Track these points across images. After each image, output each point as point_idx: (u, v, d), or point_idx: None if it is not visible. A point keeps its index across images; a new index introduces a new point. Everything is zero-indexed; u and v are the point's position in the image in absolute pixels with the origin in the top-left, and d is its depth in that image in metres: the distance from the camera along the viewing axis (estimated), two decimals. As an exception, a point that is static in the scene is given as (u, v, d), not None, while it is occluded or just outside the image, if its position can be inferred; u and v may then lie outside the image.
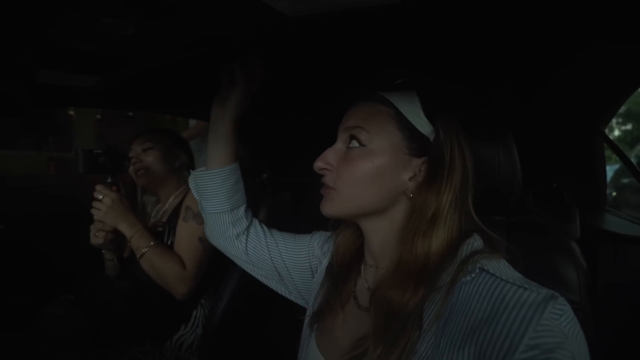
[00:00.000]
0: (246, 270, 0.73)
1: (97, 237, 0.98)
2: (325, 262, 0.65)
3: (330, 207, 0.54)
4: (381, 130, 0.51)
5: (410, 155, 0.51)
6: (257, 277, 0.72)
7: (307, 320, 0.62)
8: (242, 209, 0.71)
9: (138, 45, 0.50)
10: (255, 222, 0.73)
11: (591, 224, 0.78)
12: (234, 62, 0.65)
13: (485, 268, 0.44)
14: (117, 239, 1.01)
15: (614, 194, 3.79)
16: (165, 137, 1.14)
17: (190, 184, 0.73)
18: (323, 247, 0.68)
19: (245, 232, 0.70)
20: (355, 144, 0.52)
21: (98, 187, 0.95)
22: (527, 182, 0.64)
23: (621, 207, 3.63)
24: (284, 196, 1.24)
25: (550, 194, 0.77)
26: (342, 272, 0.59)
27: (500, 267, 0.45)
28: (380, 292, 0.48)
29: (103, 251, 1.05)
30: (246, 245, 0.70)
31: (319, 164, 0.54)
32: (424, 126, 0.51)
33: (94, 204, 0.95)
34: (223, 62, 0.67)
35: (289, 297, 0.72)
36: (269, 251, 0.69)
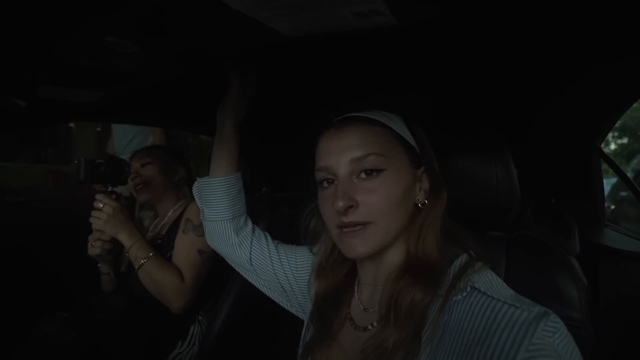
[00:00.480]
0: (250, 280, 0.73)
1: (94, 248, 0.96)
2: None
3: (369, 246, 0.49)
4: (391, 149, 0.51)
5: (413, 167, 0.52)
6: (260, 288, 0.72)
7: (300, 350, 0.60)
8: (243, 218, 0.72)
9: (139, 61, 0.51)
10: (258, 231, 0.73)
11: (590, 240, 0.78)
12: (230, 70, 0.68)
13: (477, 286, 0.44)
14: (114, 250, 1.00)
15: (612, 207, 3.79)
16: (163, 152, 1.15)
17: (194, 191, 0.75)
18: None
19: (249, 242, 0.70)
20: (371, 172, 0.49)
21: (98, 197, 0.95)
22: (525, 198, 0.65)
23: (620, 221, 3.63)
24: (283, 210, 1.24)
25: (549, 210, 0.77)
26: (330, 301, 0.57)
27: (492, 283, 0.45)
28: (404, 294, 0.46)
29: (99, 264, 1.03)
30: (250, 255, 0.70)
31: (341, 204, 0.47)
32: (411, 139, 0.54)
33: (94, 213, 0.94)
34: (220, 76, 0.69)
35: (291, 310, 0.71)
36: (271, 262, 0.68)
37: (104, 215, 0.93)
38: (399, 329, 0.45)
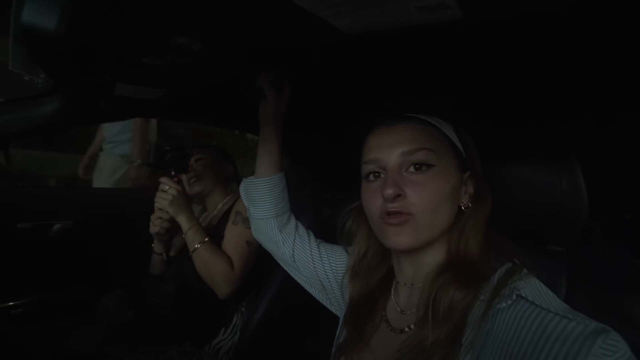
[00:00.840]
0: (293, 276, 0.75)
1: (155, 225, 1.06)
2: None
3: (410, 237, 0.49)
4: (442, 149, 0.51)
5: (461, 171, 0.53)
6: (302, 284, 0.74)
7: (334, 350, 0.60)
8: (286, 216, 0.75)
9: (204, 61, 0.54)
10: (302, 229, 0.75)
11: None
12: (262, 76, 0.71)
13: (523, 294, 0.41)
14: (172, 231, 1.10)
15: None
16: (213, 150, 1.25)
17: (241, 191, 0.78)
18: None
19: (292, 238, 0.72)
20: (421, 166, 0.49)
21: (164, 180, 1.04)
22: (597, 213, 0.59)
23: None
24: (325, 212, 1.25)
25: (623, 227, 0.69)
26: (364, 304, 0.57)
27: (541, 293, 0.42)
28: (442, 293, 0.45)
29: (153, 245, 1.13)
30: (293, 251, 0.71)
31: (391, 191, 0.48)
32: (459, 144, 0.54)
33: (159, 194, 1.03)
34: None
35: (330, 308, 0.71)
36: (312, 259, 0.70)
37: (168, 196, 1.01)
38: (437, 329, 0.43)
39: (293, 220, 0.75)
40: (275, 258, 0.77)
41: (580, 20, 0.47)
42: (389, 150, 0.51)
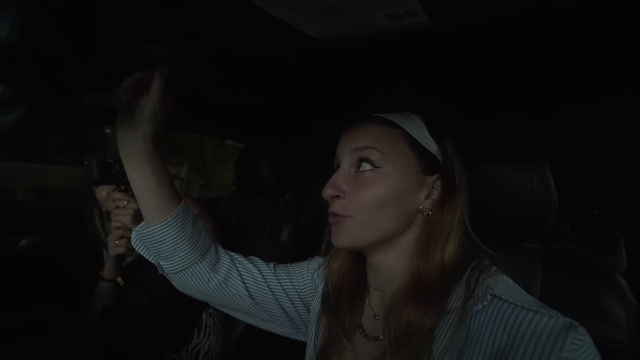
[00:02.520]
0: (253, 322, 0.64)
1: (118, 247, 0.98)
2: (321, 289, 0.60)
3: (346, 237, 0.49)
4: (395, 150, 0.49)
5: (423, 173, 0.50)
6: (264, 326, 0.64)
7: (311, 348, 0.57)
8: (213, 250, 0.60)
9: (175, 66, 0.53)
10: (239, 258, 0.62)
11: (638, 255, 0.72)
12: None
13: (497, 294, 0.42)
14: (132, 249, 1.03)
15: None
16: None
17: (135, 244, 0.59)
18: (318, 271, 0.63)
19: (235, 271, 0.60)
20: (366, 166, 0.49)
21: (117, 195, 0.97)
22: (565, 209, 0.61)
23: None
24: (307, 217, 1.24)
25: (591, 222, 0.72)
26: (342, 303, 0.54)
27: (511, 289, 0.43)
28: (396, 313, 0.45)
29: (102, 272, 1.02)
30: (244, 284, 0.60)
31: (329, 192, 0.49)
32: (431, 145, 0.51)
33: (117, 212, 0.95)
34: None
35: (296, 337, 0.65)
36: (269, 287, 0.61)
37: (129, 211, 0.94)
38: (396, 354, 0.43)
39: (222, 250, 0.62)
40: (231, 310, 0.63)
41: (538, 21, 0.49)
42: (344, 148, 0.51)
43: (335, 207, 0.49)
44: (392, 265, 0.51)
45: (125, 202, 0.96)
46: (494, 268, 0.46)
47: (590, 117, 0.86)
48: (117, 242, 0.98)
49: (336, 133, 0.55)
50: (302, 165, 1.51)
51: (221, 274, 0.59)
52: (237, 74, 0.66)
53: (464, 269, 0.46)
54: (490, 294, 0.42)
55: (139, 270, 1.07)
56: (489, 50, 0.56)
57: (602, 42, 0.58)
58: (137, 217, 0.94)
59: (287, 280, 0.62)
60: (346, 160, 0.51)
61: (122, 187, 0.98)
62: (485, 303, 0.42)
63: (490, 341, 0.39)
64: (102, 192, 1.07)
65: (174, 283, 0.61)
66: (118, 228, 0.98)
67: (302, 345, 0.67)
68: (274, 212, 1.22)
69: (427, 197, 0.50)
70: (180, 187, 6.28)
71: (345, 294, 0.55)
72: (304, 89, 0.86)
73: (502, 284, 0.43)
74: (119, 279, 1.03)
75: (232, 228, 1.29)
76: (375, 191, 0.47)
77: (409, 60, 0.62)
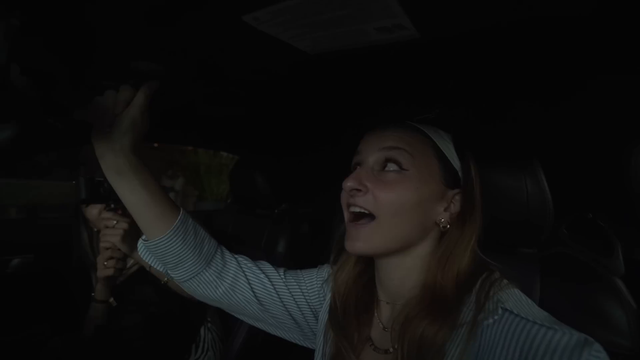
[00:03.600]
0: (261, 325, 0.64)
1: (107, 268, 0.94)
2: (328, 299, 0.59)
3: (369, 241, 0.47)
4: (423, 156, 0.49)
5: (445, 185, 0.50)
6: (271, 330, 0.64)
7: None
8: (219, 255, 0.59)
9: (166, 83, 0.53)
10: (247, 262, 0.61)
11: (635, 258, 0.72)
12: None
13: (508, 308, 0.41)
14: (124, 270, 0.99)
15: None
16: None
17: (142, 254, 0.59)
18: (327, 280, 0.62)
19: (243, 277, 0.59)
20: (392, 166, 0.48)
21: (106, 215, 0.93)
22: (560, 213, 0.61)
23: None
24: (303, 228, 1.23)
25: (587, 226, 0.72)
26: (349, 318, 0.53)
27: (522, 303, 0.43)
28: (411, 327, 0.44)
29: (94, 294, 0.99)
30: (252, 289, 0.59)
31: (350, 184, 0.48)
32: (455, 160, 0.51)
33: (105, 232, 0.92)
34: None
35: (303, 343, 0.65)
36: (275, 290, 0.60)
37: (118, 231, 0.91)
38: None
39: (229, 255, 0.61)
40: (238, 314, 0.63)
41: (523, 30, 0.50)
42: (371, 145, 0.50)
43: (359, 201, 0.48)
44: (404, 278, 0.50)
45: (114, 222, 0.93)
46: (505, 281, 0.46)
47: (576, 116, 0.87)
48: (105, 263, 0.94)
49: (331, 150, 0.55)
50: (298, 176, 1.51)
51: (228, 281, 0.59)
52: (226, 89, 0.66)
53: (475, 281, 0.46)
54: (502, 308, 0.42)
55: (134, 287, 1.05)
56: (478, 58, 0.56)
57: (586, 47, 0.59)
58: (127, 237, 0.91)
59: (297, 287, 0.61)
60: (372, 157, 0.50)
61: (112, 205, 0.95)
62: (496, 317, 0.41)
63: (502, 357, 0.38)
64: (93, 211, 1.04)
65: (188, 291, 0.61)
66: (107, 248, 0.94)
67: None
68: (270, 224, 1.21)
69: (445, 210, 0.49)
70: (175, 200, 6.24)
71: (352, 308, 0.54)
72: (297, 105, 0.86)
73: (513, 298, 0.43)
74: (111, 300, 1.00)
75: (228, 240, 1.28)
76: (399, 193, 0.47)
77: (402, 72, 0.63)
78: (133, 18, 0.41)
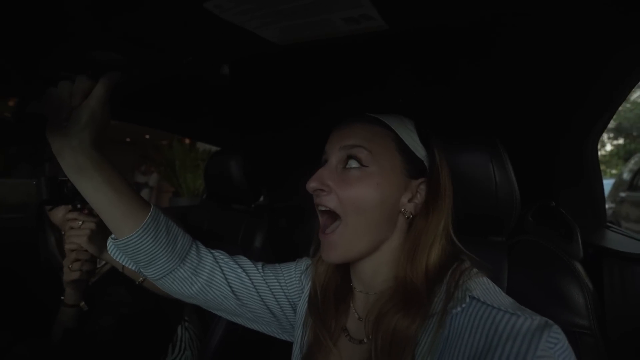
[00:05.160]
0: (238, 320, 0.64)
1: (73, 271, 0.89)
2: (307, 290, 0.60)
3: (338, 251, 0.49)
4: (384, 151, 0.49)
5: (408, 177, 0.50)
6: (249, 324, 0.64)
7: (297, 351, 0.57)
8: (194, 251, 0.58)
9: (126, 73, 0.50)
10: (223, 257, 0.60)
11: (592, 243, 0.76)
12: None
13: (476, 296, 0.43)
14: (92, 272, 0.94)
15: (618, 208, 3.79)
16: None
17: (112, 253, 0.56)
18: (306, 272, 0.63)
19: (219, 271, 0.58)
20: (353, 164, 0.48)
21: (71, 215, 0.88)
22: (524, 202, 0.64)
23: (621, 222, 3.62)
24: (281, 222, 1.22)
25: (550, 213, 0.76)
26: (328, 306, 0.54)
27: (490, 291, 0.44)
28: (384, 319, 0.45)
29: (63, 297, 0.93)
30: (228, 283, 0.58)
31: (313, 184, 0.49)
32: (419, 150, 0.52)
33: (71, 233, 0.86)
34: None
35: (282, 336, 0.65)
36: (254, 287, 0.59)
37: (85, 231, 0.86)
38: (383, 359, 0.43)
39: (204, 250, 0.59)
40: (217, 311, 0.63)
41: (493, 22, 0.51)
42: (334, 144, 0.51)
43: (322, 200, 0.49)
44: (376, 270, 0.51)
45: (80, 222, 0.88)
46: (475, 270, 0.47)
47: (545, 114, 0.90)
48: (70, 266, 0.89)
49: (304, 138, 0.54)
50: (275, 169, 1.49)
51: (204, 277, 0.57)
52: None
53: (446, 272, 0.47)
54: (469, 296, 0.43)
55: (106, 288, 1.01)
56: (443, 47, 0.57)
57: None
58: (95, 238, 0.86)
59: (275, 280, 0.61)
60: (334, 156, 0.50)
61: (78, 205, 0.90)
62: (464, 305, 0.42)
63: (469, 343, 0.40)
64: (58, 214, 0.97)
65: (159, 287, 0.59)
66: (72, 250, 0.89)
67: (279, 358, 0.66)
68: (247, 219, 1.19)
69: (410, 200, 0.50)
70: (150, 196, 6.05)
71: (331, 297, 0.55)
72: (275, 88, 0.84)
73: (481, 286, 0.44)
74: (82, 304, 0.95)
75: (203, 237, 1.25)
76: (361, 190, 0.47)
77: (368, 62, 0.63)
78: (90, 5, 0.39)
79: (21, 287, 1.14)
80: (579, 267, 0.61)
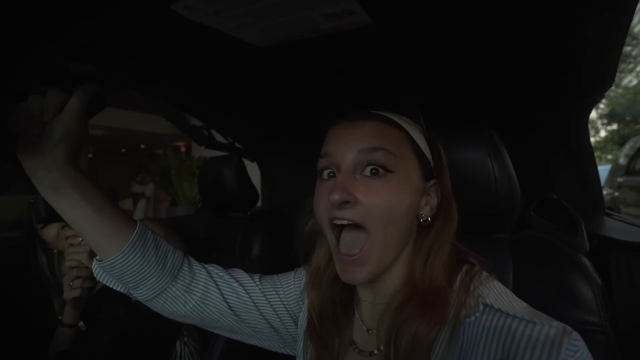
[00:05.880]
0: (238, 337, 0.60)
1: (74, 289, 0.87)
2: (306, 304, 0.57)
3: (370, 265, 0.44)
4: (405, 153, 0.45)
5: (423, 179, 0.47)
6: (249, 340, 0.60)
7: None
8: (186, 267, 0.54)
9: (103, 84, 0.48)
10: (217, 271, 0.57)
11: (596, 233, 0.74)
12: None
13: (489, 303, 0.41)
14: (93, 290, 0.91)
15: (616, 193, 3.80)
16: None
17: (99, 277, 0.53)
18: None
19: (214, 287, 0.55)
20: (377, 170, 0.44)
21: (70, 232, 0.86)
22: (528, 198, 0.61)
23: (620, 207, 3.62)
24: (278, 228, 1.20)
25: (552, 206, 0.73)
26: (327, 326, 0.51)
27: (502, 296, 0.42)
28: (404, 328, 0.42)
29: (61, 317, 0.91)
30: (225, 299, 0.55)
31: (337, 197, 0.42)
32: (427, 151, 0.49)
33: (70, 250, 0.85)
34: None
35: (283, 350, 0.62)
36: (253, 301, 0.56)
37: (86, 247, 0.84)
38: None
39: (197, 265, 0.56)
40: (213, 329, 0.59)
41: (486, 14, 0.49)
42: (346, 145, 0.45)
43: (349, 213, 0.43)
44: (387, 278, 0.48)
45: (80, 239, 0.86)
46: (485, 274, 0.45)
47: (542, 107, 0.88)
48: (70, 283, 0.86)
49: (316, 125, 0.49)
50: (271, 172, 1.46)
51: (198, 294, 0.54)
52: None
53: (455, 276, 0.45)
54: (483, 304, 0.41)
55: (101, 306, 0.98)
56: (439, 41, 0.55)
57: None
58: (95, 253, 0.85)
59: (274, 293, 0.58)
60: (350, 160, 0.44)
61: None
62: (477, 314, 0.40)
63: (485, 353, 0.38)
64: (50, 231, 0.96)
65: (151, 308, 0.55)
66: (73, 267, 0.86)
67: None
68: (243, 227, 1.17)
69: (426, 204, 0.47)
70: (147, 207, 6.00)
71: (330, 315, 0.51)
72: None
73: (494, 292, 0.42)
74: (80, 324, 0.92)
75: (200, 246, 1.23)
76: (394, 199, 0.43)
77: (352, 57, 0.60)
78: (57, 12, 0.36)
79: (17, 309, 1.11)
80: (586, 261, 0.59)
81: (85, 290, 0.88)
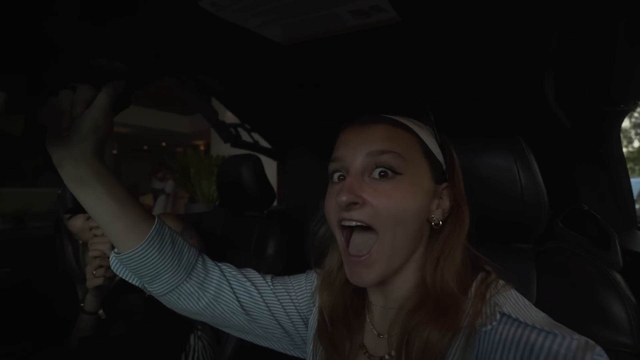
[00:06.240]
0: (248, 337, 0.61)
1: (97, 278, 0.91)
2: (317, 306, 0.56)
3: (379, 266, 0.44)
4: (414, 156, 0.46)
5: (434, 182, 0.47)
6: (260, 342, 0.61)
7: None
8: (200, 264, 0.56)
9: (130, 83, 0.49)
10: (230, 270, 0.58)
11: (629, 249, 0.70)
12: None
13: (506, 312, 0.39)
14: (114, 278, 0.96)
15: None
16: None
17: (115, 269, 0.54)
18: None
19: (227, 286, 0.56)
20: (385, 172, 0.44)
21: (94, 223, 0.90)
22: (556, 208, 0.59)
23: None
24: (293, 228, 1.20)
25: (582, 218, 0.70)
26: (339, 327, 0.51)
27: (520, 306, 0.41)
28: (415, 333, 0.42)
29: (83, 305, 0.95)
30: (237, 298, 0.56)
31: (345, 198, 0.43)
32: (439, 154, 0.49)
33: (94, 240, 0.88)
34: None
35: (293, 353, 0.62)
36: (264, 302, 0.57)
37: (108, 238, 0.88)
38: None
39: (211, 263, 0.57)
40: (224, 328, 0.60)
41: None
42: (355, 149, 0.46)
43: (357, 214, 0.44)
44: (402, 282, 0.48)
45: None
46: (502, 282, 0.44)
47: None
48: (94, 272, 0.91)
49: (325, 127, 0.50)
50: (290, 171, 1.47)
51: (211, 292, 0.55)
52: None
53: (470, 284, 0.44)
54: (500, 313, 0.40)
55: (119, 296, 1.01)
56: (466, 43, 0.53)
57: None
58: None
59: (285, 294, 0.58)
60: (359, 164, 0.45)
61: None
62: (494, 323, 0.39)
63: None
64: (76, 222, 1.00)
65: (164, 303, 0.57)
66: (96, 257, 0.91)
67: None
68: (259, 225, 1.17)
69: (437, 207, 0.47)
70: (166, 202, 6.16)
71: (341, 318, 0.51)
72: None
73: (511, 301, 0.41)
74: (100, 312, 0.97)
75: (216, 243, 1.24)
76: (402, 201, 0.43)
77: (379, 57, 0.59)
78: (87, 12, 0.37)
79: (40, 297, 1.15)
80: (619, 277, 0.55)
81: (107, 279, 0.92)
